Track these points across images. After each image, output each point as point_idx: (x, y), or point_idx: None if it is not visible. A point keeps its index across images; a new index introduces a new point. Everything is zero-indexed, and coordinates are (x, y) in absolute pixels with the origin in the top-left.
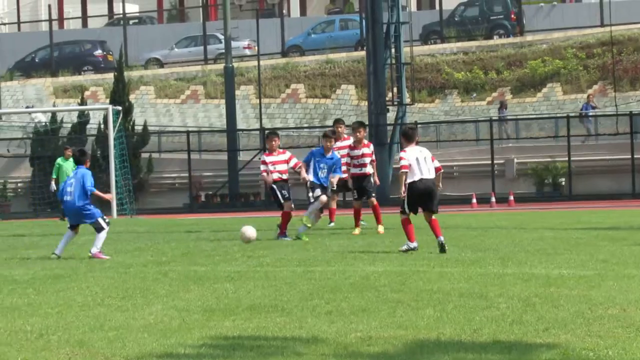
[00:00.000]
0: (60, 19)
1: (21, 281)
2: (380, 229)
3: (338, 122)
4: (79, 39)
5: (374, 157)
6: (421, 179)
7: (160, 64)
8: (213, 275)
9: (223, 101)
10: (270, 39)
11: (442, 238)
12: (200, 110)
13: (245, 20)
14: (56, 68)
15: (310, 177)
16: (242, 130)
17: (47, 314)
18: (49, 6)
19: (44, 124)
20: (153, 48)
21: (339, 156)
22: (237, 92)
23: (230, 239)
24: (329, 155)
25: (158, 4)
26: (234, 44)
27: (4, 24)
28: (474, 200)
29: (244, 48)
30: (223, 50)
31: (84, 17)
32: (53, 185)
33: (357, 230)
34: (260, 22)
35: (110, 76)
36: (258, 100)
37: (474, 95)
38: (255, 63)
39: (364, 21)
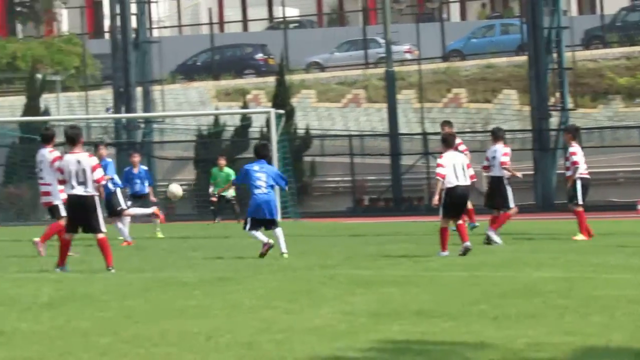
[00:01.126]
0: (221, 23)
1: (189, 283)
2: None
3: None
4: (239, 42)
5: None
6: (457, 186)
7: (321, 67)
8: (379, 279)
9: (384, 105)
10: (431, 43)
11: (468, 243)
12: (362, 114)
13: (405, 24)
14: (218, 71)
15: None
16: (404, 134)
17: (215, 316)
18: (210, 10)
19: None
20: (314, 52)
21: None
22: (399, 96)
23: (395, 243)
24: None
25: (318, 8)
26: (394, 48)
27: (165, 27)
28: None
29: (405, 52)
30: (384, 55)
31: (244, 20)
32: (212, 189)
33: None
34: (420, 26)
35: (271, 80)
36: (419, 105)
37: (637, 100)
38: (415, 67)
39: (524, 26)
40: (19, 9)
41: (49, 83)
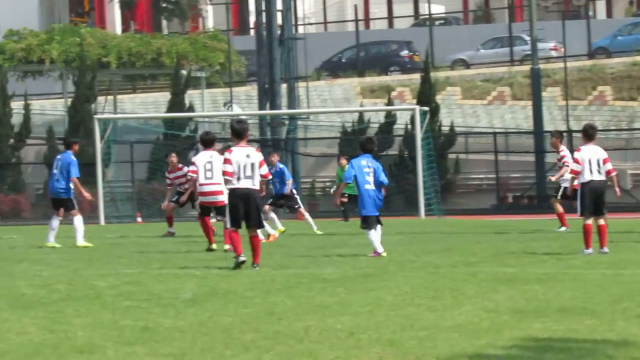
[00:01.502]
0: (366, 19)
1: (331, 280)
2: None
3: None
4: (385, 39)
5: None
6: (592, 180)
7: (466, 64)
8: (522, 276)
9: (529, 102)
10: (576, 41)
11: (606, 249)
12: (507, 112)
13: (551, 21)
14: (363, 68)
15: None
16: (549, 132)
17: (358, 312)
18: (355, 6)
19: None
20: (459, 49)
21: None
22: (544, 94)
23: (538, 240)
24: None
25: (464, 5)
26: (539, 45)
27: (311, 24)
28: None
29: (550, 50)
30: (529, 52)
31: (390, 17)
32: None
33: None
34: (566, 23)
35: (416, 77)
36: (564, 102)
37: None
38: (561, 65)
39: None
40: (164, 5)
41: (193, 79)
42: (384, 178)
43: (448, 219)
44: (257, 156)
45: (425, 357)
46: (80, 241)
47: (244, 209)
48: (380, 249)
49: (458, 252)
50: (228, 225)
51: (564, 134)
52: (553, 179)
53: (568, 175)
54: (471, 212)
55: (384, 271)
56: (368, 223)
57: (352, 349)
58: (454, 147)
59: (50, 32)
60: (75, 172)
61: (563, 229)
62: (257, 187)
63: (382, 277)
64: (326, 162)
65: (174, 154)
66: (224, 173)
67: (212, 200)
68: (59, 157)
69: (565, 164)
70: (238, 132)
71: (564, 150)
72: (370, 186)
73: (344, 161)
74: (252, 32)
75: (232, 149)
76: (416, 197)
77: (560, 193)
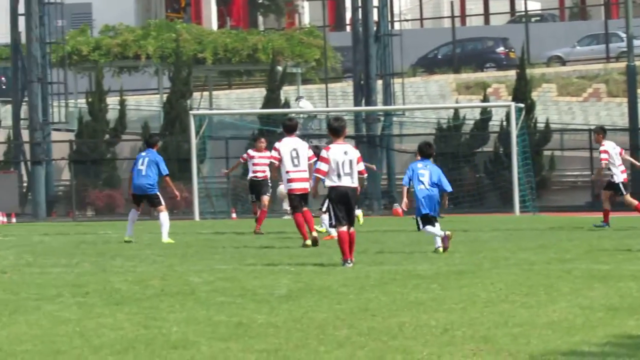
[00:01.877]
0: (462, 16)
1: (426, 276)
2: None
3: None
4: (480, 36)
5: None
6: None
7: (562, 61)
8: (616, 273)
9: (625, 100)
10: None
11: None
12: (602, 109)
13: None
14: (458, 65)
15: None
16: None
17: (452, 309)
18: (452, 3)
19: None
20: (555, 46)
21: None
22: (639, 91)
23: (633, 238)
24: None
25: (560, 2)
26: (635, 42)
27: (407, 20)
28: None
29: None
30: (625, 49)
31: (486, 14)
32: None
33: None
34: None
35: (512, 73)
36: None
37: None
38: None
39: None
40: (260, 1)
41: (289, 75)
42: (446, 183)
43: (543, 215)
44: (354, 153)
45: (518, 354)
46: (165, 237)
47: (344, 206)
48: (439, 242)
49: (552, 249)
50: (331, 223)
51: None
52: (593, 178)
53: (617, 170)
54: (566, 209)
55: (478, 268)
56: (423, 221)
57: (446, 346)
58: (549, 144)
59: (147, 27)
60: (164, 169)
61: (603, 224)
62: (355, 184)
63: (476, 274)
64: None
65: (263, 139)
66: (317, 171)
67: (301, 187)
68: (143, 153)
69: (603, 161)
70: (336, 130)
71: (605, 145)
72: (423, 186)
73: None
74: (348, 28)
75: (330, 146)
76: (511, 194)
77: (621, 189)
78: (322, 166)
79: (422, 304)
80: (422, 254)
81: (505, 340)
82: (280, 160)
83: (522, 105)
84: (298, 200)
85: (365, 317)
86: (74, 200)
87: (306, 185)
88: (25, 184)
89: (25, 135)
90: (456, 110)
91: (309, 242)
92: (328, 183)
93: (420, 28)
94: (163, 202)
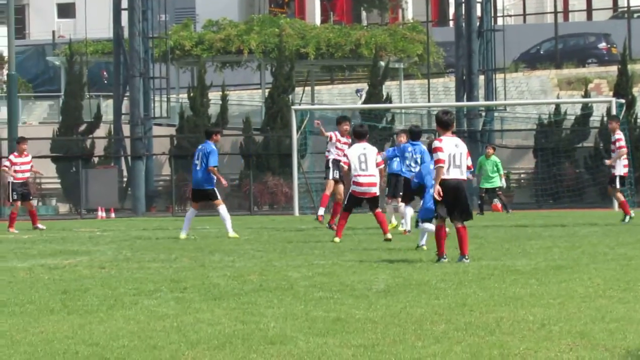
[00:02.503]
0: (565, 12)
1: (524, 271)
2: None
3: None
4: (583, 31)
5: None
6: None
7: None
8: None
9: None
10: None
11: None
12: None
13: None
14: (560, 60)
15: None
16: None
17: (549, 304)
18: None
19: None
20: None
21: None
22: None
23: None
24: None
25: None
26: None
27: (510, 16)
28: None
29: None
30: None
31: (589, 9)
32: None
33: None
34: None
35: (613, 69)
36: None
37: None
38: None
39: None
40: None
41: (391, 70)
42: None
43: None
44: (464, 146)
45: (615, 349)
46: (231, 232)
47: (453, 200)
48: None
49: None
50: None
51: None
52: (608, 162)
53: (625, 161)
54: None
55: (576, 263)
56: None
57: (543, 341)
58: None
59: (250, 22)
60: (213, 160)
61: (627, 218)
62: (464, 177)
63: (574, 269)
64: (522, 153)
65: (347, 123)
66: (438, 161)
67: (365, 191)
68: (200, 147)
69: (620, 148)
70: (446, 123)
71: (620, 134)
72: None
73: (490, 150)
74: (451, 23)
75: (442, 138)
76: None
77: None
78: (441, 155)
79: (520, 299)
80: (521, 250)
81: (602, 336)
82: (349, 165)
83: (623, 100)
84: (354, 202)
85: (463, 312)
86: (174, 195)
87: (374, 190)
88: (125, 179)
89: (126, 130)
90: (557, 105)
91: (389, 235)
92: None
93: (522, 24)
94: (219, 196)
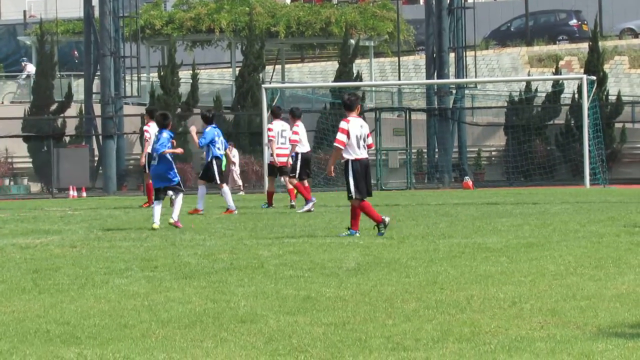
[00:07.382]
0: None
1: (495, 249)
2: None
3: None
4: (553, 8)
5: None
6: None
7: (634, 34)
8: None
9: None
10: None
11: None
12: None
13: None
14: (531, 37)
15: None
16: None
17: (520, 282)
18: None
19: None
20: (627, 18)
21: None
22: None
23: None
24: None
25: None
26: None
27: None
28: None
29: None
30: None
31: None
32: None
33: None
34: None
35: (584, 46)
36: None
37: None
38: None
39: None
40: None
41: (362, 48)
42: None
43: (613, 188)
44: (367, 127)
45: (586, 327)
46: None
47: (364, 177)
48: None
49: (622, 221)
50: (355, 195)
51: None
52: None
53: None
54: (636, 182)
55: (547, 240)
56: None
57: (514, 319)
58: (621, 117)
59: (220, 1)
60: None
61: None
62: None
63: (545, 247)
64: (493, 131)
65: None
66: (338, 141)
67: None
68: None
69: None
70: (350, 104)
71: None
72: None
73: None
74: (421, 1)
75: (349, 119)
76: (581, 167)
77: None
78: (343, 137)
79: (491, 277)
80: (491, 227)
81: (573, 313)
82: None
83: (593, 77)
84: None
85: (434, 290)
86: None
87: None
88: (96, 158)
89: (97, 109)
90: (528, 83)
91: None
92: (347, 156)
93: (493, 1)
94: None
